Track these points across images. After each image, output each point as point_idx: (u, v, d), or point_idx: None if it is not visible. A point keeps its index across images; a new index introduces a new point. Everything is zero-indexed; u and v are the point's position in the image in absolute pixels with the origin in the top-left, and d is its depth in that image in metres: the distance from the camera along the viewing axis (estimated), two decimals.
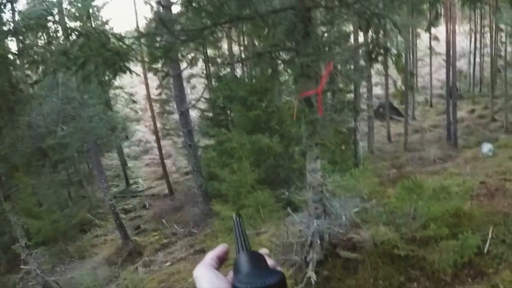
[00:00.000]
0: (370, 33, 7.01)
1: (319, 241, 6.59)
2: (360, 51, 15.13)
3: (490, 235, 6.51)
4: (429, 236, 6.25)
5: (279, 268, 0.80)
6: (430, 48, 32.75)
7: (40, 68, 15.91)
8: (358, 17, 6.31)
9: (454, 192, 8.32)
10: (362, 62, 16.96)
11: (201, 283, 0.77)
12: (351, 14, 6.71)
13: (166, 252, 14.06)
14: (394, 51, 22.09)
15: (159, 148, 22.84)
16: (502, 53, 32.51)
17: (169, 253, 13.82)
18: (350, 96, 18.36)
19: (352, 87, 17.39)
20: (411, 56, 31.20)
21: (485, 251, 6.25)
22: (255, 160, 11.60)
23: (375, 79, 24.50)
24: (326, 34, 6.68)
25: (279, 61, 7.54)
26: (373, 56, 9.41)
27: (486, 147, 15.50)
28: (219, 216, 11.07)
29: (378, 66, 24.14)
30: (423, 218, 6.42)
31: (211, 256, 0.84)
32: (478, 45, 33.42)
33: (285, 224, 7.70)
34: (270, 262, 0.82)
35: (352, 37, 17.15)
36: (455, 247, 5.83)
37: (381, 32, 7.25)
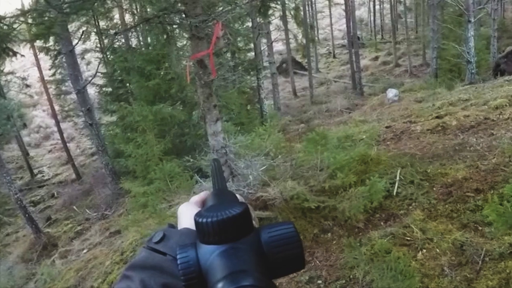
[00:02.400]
0: None
1: None
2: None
3: (398, 177, 6.61)
4: (337, 185, 6.20)
5: None
6: None
7: None
8: None
9: (360, 139, 8.42)
10: (260, 19, 16.75)
11: (182, 217, 0.84)
12: None
13: (82, 240, 13.49)
14: (291, 4, 22.12)
15: (60, 131, 21.61)
16: None
17: (84, 240, 13.28)
18: (251, 54, 18.14)
19: (252, 45, 17.16)
20: (310, 9, 31.44)
21: (395, 194, 6.33)
22: (160, 131, 11.19)
23: (275, 35, 24.46)
24: None
25: (170, 26, 7.22)
26: (261, 10, 9.24)
27: (392, 93, 15.96)
28: (130, 193, 10.64)
29: (277, 22, 24.07)
30: (330, 168, 6.37)
31: (196, 199, 0.90)
32: None
33: (195, 192, 7.41)
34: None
35: None
36: (364, 193, 5.80)
37: None
